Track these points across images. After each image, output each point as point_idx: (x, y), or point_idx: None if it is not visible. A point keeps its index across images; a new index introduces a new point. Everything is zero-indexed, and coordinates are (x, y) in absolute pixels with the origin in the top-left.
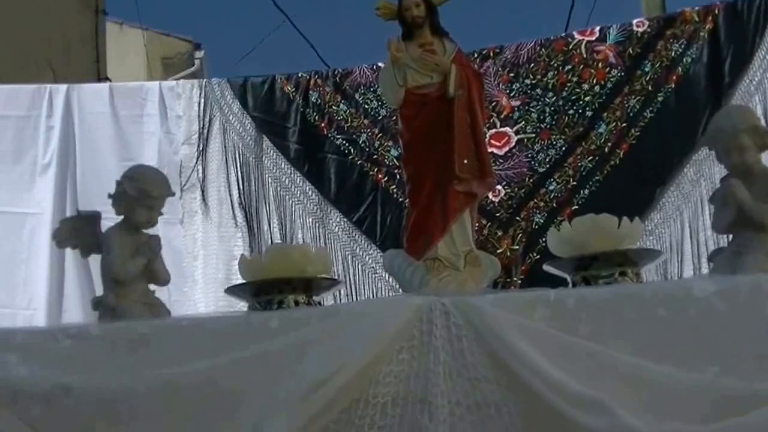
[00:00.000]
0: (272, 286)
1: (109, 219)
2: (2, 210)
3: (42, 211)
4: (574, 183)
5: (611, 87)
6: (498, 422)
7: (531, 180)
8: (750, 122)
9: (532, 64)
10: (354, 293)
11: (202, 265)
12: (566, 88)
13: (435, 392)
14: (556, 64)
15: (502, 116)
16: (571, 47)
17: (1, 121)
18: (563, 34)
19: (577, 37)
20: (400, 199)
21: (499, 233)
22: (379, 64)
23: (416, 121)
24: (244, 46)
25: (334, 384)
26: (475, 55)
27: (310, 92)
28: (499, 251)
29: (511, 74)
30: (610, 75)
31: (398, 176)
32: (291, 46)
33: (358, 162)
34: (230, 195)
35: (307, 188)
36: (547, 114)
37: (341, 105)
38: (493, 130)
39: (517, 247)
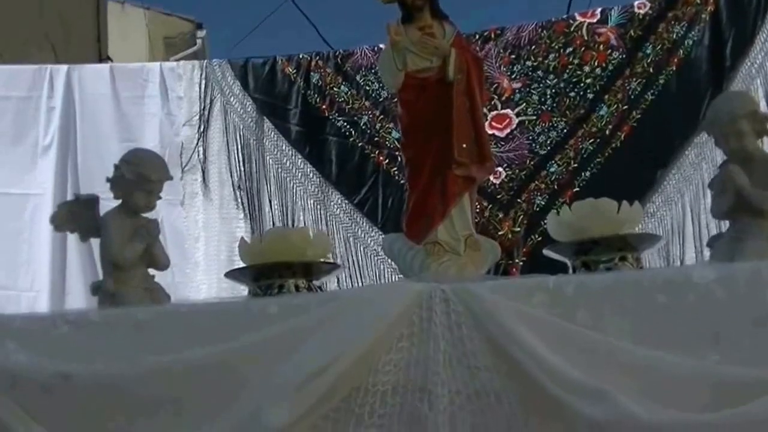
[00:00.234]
0: (272, 270)
1: (109, 199)
2: (3, 191)
3: (43, 192)
4: (576, 165)
5: (612, 69)
6: (498, 411)
7: (532, 162)
8: (749, 108)
9: (534, 46)
10: (356, 275)
11: (203, 247)
12: (567, 71)
13: (435, 381)
14: (557, 46)
15: (503, 98)
16: (572, 29)
17: (2, 102)
18: (565, 16)
19: (579, 18)
20: (402, 182)
21: (501, 215)
22: (381, 45)
23: (415, 105)
24: (246, 25)
25: (333, 371)
26: (477, 37)
27: (311, 74)
28: (500, 233)
29: (513, 56)
30: (611, 57)
31: (399, 158)
32: (293, 27)
33: (360, 144)
34: (231, 176)
35: (308, 170)
36: (548, 96)
37: (342, 87)
38: (494, 112)
39: (519, 229)
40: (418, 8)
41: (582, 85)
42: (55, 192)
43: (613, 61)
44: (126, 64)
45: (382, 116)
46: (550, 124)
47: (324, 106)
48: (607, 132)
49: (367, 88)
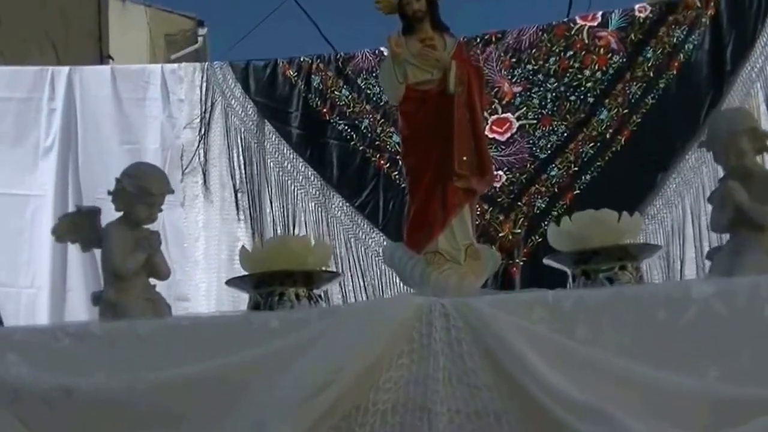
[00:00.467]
0: (273, 278)
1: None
2: (4, 192)
3: (44, 193)
4: (576, 169)
5: (613, 73)
6: (497, 431)
7: (532, 166)
8: (748, 125)
9: (534, 50)
10: (357, 275)
11: (203, 246)
12: (568, 74)
13: (434, 399)
14: (557, 50)
15: (503, 102)
16: (573, 33)
17: (3, 103)
18: (565, 19)
19: (579, 22)
20: (402, 185)
21: (501, 218)
22: (382, 48)
23: (416, 117)
24: (248, 24)
25: (336, 387)
26: (478, 40)
27: (312, 77)
28: (500, 235)
29: (513, 59)
30: (611, 61)
31: (400, 162)
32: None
33: (360, 148)
34: (232, 178)
35: (309, 173)
36: (548, 100)
37: (343, 90)
38: (495, 116)
39: (519, 230)
40: (418, 20)
41: (582, 88)
42: (56, 193)
43: (613, 65)
44: (127, 66)
45: (383, 120)
46: (551, 127)
47: (325, 110)
48: (608, 136)
49: (368, 91)
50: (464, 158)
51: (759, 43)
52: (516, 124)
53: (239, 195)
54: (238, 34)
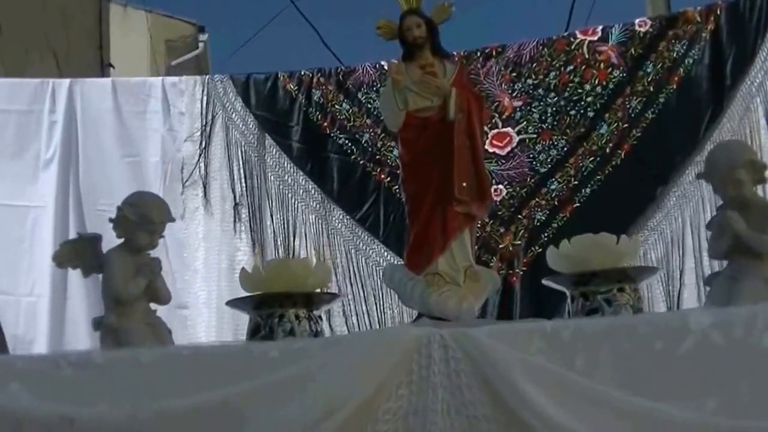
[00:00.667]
0: (273, 300)
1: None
2: (5, 203)
3: (45, 204)
4: (576, 182)
5: (613, 87)
6: None
7: (532, 180)
8: (747, 157)
9: (534, 64)
10: (358, 286)
11: (203, 256)
12: (568, 89)
13: (433, 430)
14: (558, 64)
15: (504, 116)
16: (573, 47)
17: (4, 115)
18: (565, 34)
19: (580, 36)
20: (403, 199)
21: (501, 230)
22: (382, 62)
23: (417, 143)
24: (248, 29)
25: (337, 418)
26: (478, 54)
27: (313, 90)
28: (501, 246)
29: (514, 74)
30: (612, 75)
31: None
32: (295, 31)
33: (361, 162)
34: (233, 191)
35: (310, 187)
36: (548, 114)
37: (344, 104)
38: (495, 131)
39: (519, 242)
40: (419, 46)
41: (582, 103)
42: (56, 205)
43: (613, 80)
44: (128, 79)
45: (383, 134)
46: (551, 142)
47: (325, 124)
48: (608, 150)
49: (369, 105)
50: (464, 184)
51: (759, 57)
52: (516, 139)
53: (240, 208)
54: (238, 40)
